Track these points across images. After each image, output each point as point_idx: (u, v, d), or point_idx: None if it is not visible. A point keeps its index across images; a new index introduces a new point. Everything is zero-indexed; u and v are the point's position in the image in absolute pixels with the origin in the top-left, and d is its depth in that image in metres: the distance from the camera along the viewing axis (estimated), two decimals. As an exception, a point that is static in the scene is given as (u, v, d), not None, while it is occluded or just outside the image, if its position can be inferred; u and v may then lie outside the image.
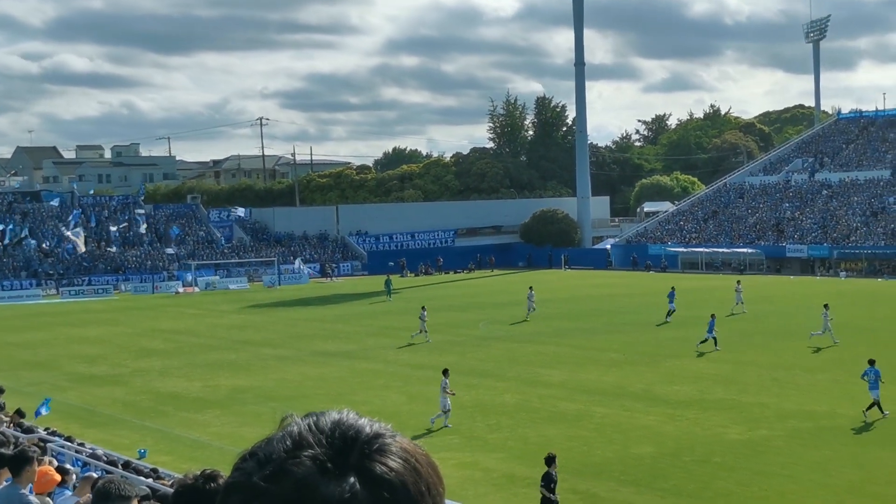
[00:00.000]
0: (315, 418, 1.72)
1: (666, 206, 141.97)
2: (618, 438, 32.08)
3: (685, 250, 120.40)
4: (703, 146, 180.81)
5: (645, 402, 37.95)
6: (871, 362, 35.86)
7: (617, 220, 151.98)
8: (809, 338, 51.00)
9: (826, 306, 52.85)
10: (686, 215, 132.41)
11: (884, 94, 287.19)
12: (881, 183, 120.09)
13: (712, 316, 51.30)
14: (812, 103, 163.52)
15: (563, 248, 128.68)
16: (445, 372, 36.04)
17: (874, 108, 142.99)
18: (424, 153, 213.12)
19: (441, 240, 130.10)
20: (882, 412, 34.22)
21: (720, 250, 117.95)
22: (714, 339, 50.23)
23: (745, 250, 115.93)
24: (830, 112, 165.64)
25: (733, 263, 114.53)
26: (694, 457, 29.43)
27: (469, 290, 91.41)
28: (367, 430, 1.69)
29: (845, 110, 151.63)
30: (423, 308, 58.79)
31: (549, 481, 21.16)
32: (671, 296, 65.04)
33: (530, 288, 70.49)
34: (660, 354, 49.45)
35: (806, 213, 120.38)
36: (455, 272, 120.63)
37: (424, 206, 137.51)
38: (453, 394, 35.39)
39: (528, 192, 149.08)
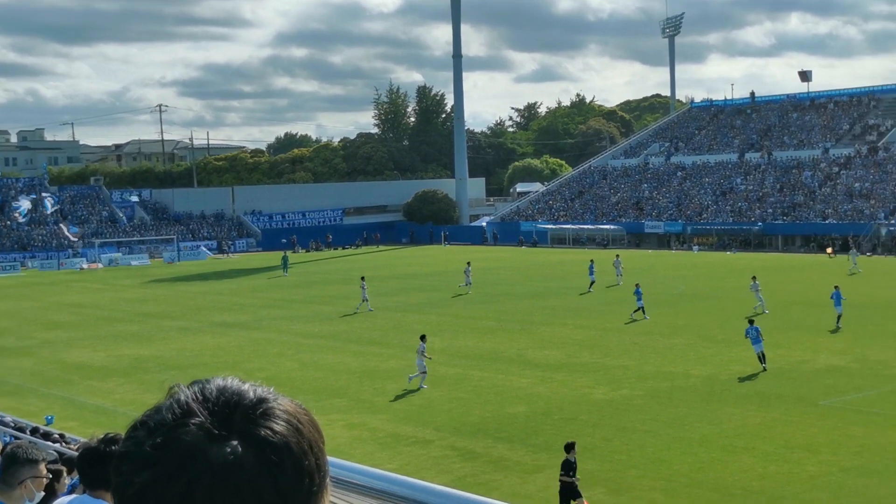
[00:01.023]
0: (201, 386, 1.67)
1: (537, 187, 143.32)
2: (494, 399, 32.29)
3: (554, 227, 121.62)
4: (570, 132, 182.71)
5: (518, 365, 38.27)
6: (751, 321, 37.12)
7: (492, 199, 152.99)
8: (755, 310, 50.26)
9: (754, 278, 53.37)
10: (555, 195, 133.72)
11: (732, 84, 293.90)
12: (729, 165, 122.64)
13: (637, 285, 51.85)
14: (668, 93, 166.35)
15: (442, 226, 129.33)
16: (423, 337, 36.34)
17: (723, 98, 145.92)
18: (314, 138, 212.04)
19: (330, 218, 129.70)
20: (763, 365, 35.28)
21: (586, 227, 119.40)
22: (642, 308, 50.42)
23: (608, 227, 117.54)
24: (684, 101, 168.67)
25: (598, 239, 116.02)
26: (563, 415, 29.76)
27: (357, 265, 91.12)
28: (251, 395, 1.65)
29: (698, 100, 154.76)
30: (362, 279, 58.81)
31: (568, 468, 20.80)
32: (591, 268, 65.70)
33: (468, 263, 70.18)
34: (532, 322, 49.89)
35: (662, 192, 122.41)
36: (344, 248, 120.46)
37: (314, 187, 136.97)
38: (430, 358, 35.51)
39: (410, 174, 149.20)
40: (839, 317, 45.24)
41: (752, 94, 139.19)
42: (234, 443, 1.56)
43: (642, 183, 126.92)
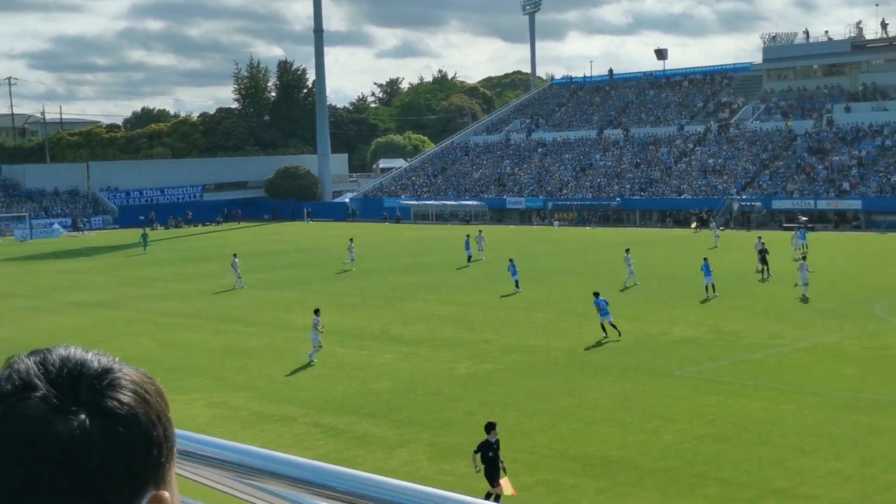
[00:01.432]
0: (42, 356, 1.60)
1: (399, 163, 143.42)
2: (357, 376, 32.29)
3: (417, 203, 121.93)
4: (432, 108, 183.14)
5: (382, 341, 38.33)
6: (596, 294, 38.13)
7: (355, 175, 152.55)
8: (625, 283, 51.55)
9: (627, 250, 54.33)
10: (418, 171, 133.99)
11: (591, 62, 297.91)
12: (589, 142, 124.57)
13: (510, 260, 52.49)
14: (529, 70, 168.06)
15: (305, 202, 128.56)
16: (316, 311, 36.73)
17: (583, 75, 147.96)
18: (172, 113, 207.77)
19: (190, 195, 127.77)
20: (605, 332, 36.17)
21: (448, 203, 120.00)
22: (516, 281, 51.13)
23: (470, 202, 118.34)
24: (545, 78, 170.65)
25: (460, 215, 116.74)
26: (426, 390, 29.93)
27: (218, 243, 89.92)
28: (95, 364, 1.59)
29: (558, 77, 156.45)
30: (234, 256, 58.02)
31: (486, 449, 19.99)
32: (467, 243, 66.40)
33: (350, 239, 69.60)
34: (395, 298, 49.98)
35: (524, 168, 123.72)
36: (204, 225, 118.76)
37: (173, 163, 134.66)
38: (322, 331, 35.68)
39: (271, 150, 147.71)
40: (712, 286, 47.07)
41: (611, 71, 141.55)
42: (82, 416, 1.51)
43: (504, 159, 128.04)
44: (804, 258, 49.65)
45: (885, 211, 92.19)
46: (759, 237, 58.34)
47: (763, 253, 53.98)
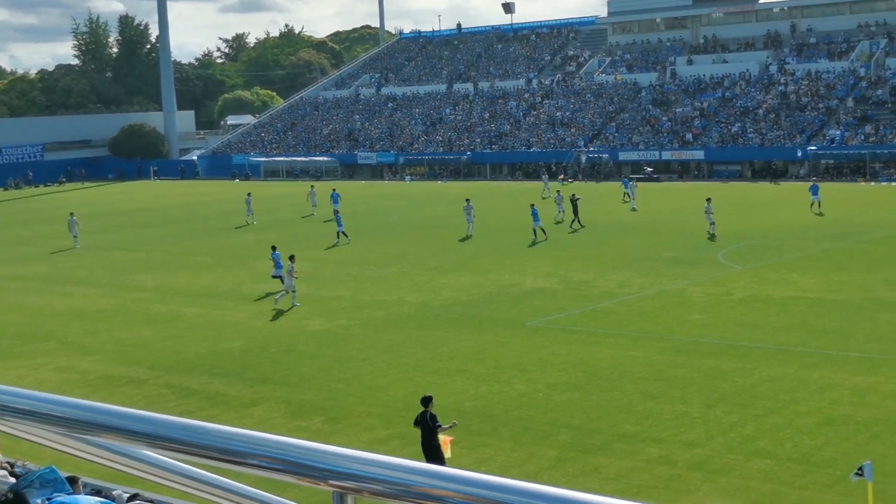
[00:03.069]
0: None
1: (248, 119, 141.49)
2: (210, 335, 31.90)
3: (267, 160, 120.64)
4: (280, 63, 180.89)
5: (234, 300, 37.93)
6: (273, 248, 39.55)
7: (202, 132, 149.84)
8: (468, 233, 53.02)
9: (468, 200, 55.25)
10: (267, 127, 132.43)
11: (439, 16, 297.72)
12: (438, 96, 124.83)
13: (336, 212, 52.88)
14: (377, 24, 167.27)
15: (151, 161, 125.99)
16: (291, 258, 37.20)
17: (431, 29, 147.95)
18: (8, 70, 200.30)
19: (30, 154, 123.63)
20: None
21: (299, 159, 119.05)
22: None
23: (321, 158, 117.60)
24: (394, 32, 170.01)
25: (311, 171, 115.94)
26: (280, 347, 29.78)
27: (61, 203, 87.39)
28: None
29: (406, 31, 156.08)
30: (71, 214, 56.44)
31: (434, 420, 19.04)
32: (334, 197, 66.31)
33: (248, 193, 68.27)
34: (246, 256, 49.45)
35: (374, 123, 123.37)
36: (46, 185, 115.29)
37: (11, 122, 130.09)
38: (296, 277, 36.41)
39: (115, 108, 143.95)
40: (541, 229, 50.28)
41: (459, 25, 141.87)
42: None
43: (354, 114, 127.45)
44: (708, 200, 51.52)
45: (726, 161, 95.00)
46: (573, 193, 59.82)
47: (575, 203, 55.49)
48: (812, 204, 59.01)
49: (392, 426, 21.74)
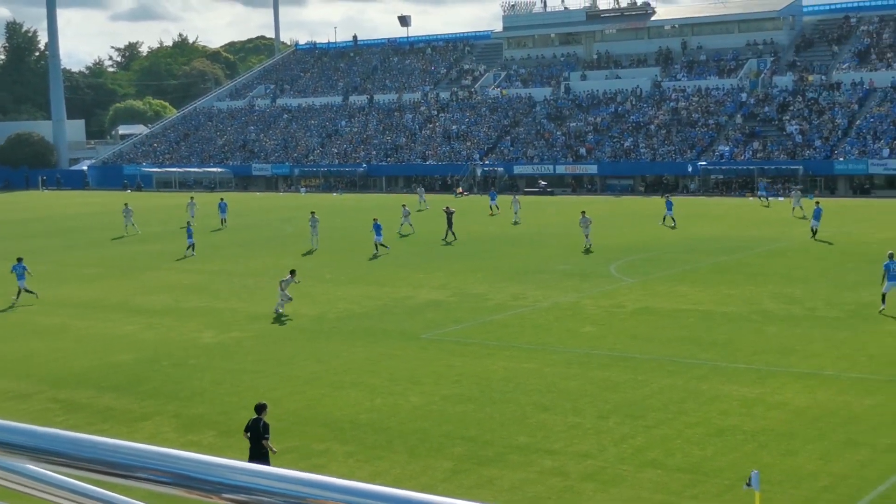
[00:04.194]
0: None
1: (140, 129, 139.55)
2: (98, 348, 31.27)
3: (160, 170, 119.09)
4: (173, 73, 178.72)
5: (124, 312, 37.26)
6: (292, 272, 37.08)
7: (93, 142, 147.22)
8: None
9: (313, 213, 55.40)
10: (159, 138, 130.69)
11: (335, 28, 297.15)
12: (334, 108, 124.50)
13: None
14: (272, 35, 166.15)
15: (40, 170, 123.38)
16: (292, 272, 36.75)
17: (327, 41, 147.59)
18: None
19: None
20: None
21: (192, 170, 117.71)
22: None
23: (215, 169, 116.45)
24: (289, 43, 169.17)
25: (205, 182, 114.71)
26: (171, 361, 29.32)
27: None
28: None
29: (302, 42, 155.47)
30: None
31: (266, 430, 18.58)
32: (221, 206, 68.30)
33: (126, 204, 67.10)
34: (136, 267, 48.67)
35: (269, 135, 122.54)
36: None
37: None
38: (298, 281, 36.65)
39: (1, 116, 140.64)
40: (381, 244, 51.03)
41: (355, 37, 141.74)
42: None
43: (249, 125, 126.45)
44: (584, 213, 51.66)
45: (619, 175, 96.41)
46: (447, 206, 60.18)
47: (449, 216, 55.94)
48: (664, 218, 60.00)
49: (286, 439, 21.54)
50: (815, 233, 52.24)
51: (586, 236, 50.54)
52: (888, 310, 32.37)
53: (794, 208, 65.55)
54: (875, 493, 17.30)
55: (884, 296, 32.83)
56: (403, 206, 62.87)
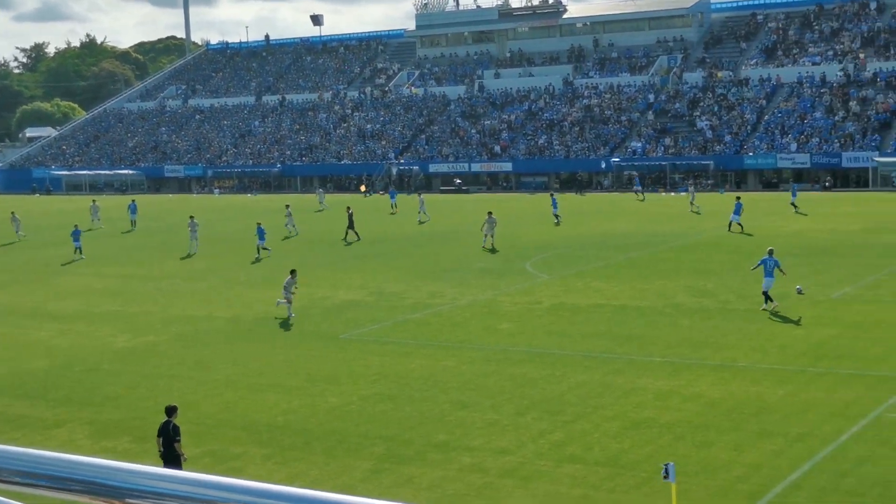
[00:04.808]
0: None
1: (48, 132, 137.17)
2: (9, 356, 30.64)
3: (69, 173, 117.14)
4: (82, 74, 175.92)
5: (36, 318, 36.57)
6: (293, 272, 36.14)
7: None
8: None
9: (192, 217, 54.98)
10: (69, 140, 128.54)
11: (246, 27, 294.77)
12: (247, 108, 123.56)
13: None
14: (183, 35, 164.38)
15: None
16: (293, 272, 35.33)
17: (238, 41, 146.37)
18: None
19: None
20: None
21: (103, 172, 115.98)
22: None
23: (127, 172, 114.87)
24: (200, 43, 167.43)
25: (116, 184, 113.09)
26: (85, 366, 28.85)
27: None
28: None
29: (213, 42, 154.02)
30: None
31: (177, 433, 18.20)
32: (131, 207, 68.32)
33: (12, 212, 65.56)
34: (48, 273, 47.84)
35: (182, 136, 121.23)
36: None
37: None
38: (294, 292, 34.70)
39: None
40: (262, 248, 50.57)
41: (267, 37, 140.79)
42: None
43: (160, 126, 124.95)
44: (490, 213, 51.41)
45: (534, 172, 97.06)
46: (348, 206, 60.06)
47: (350, 216, 55.93)
48: (555, 216, 60.54)
49: (203, 443, 21.33)
50: (731, 226, 53.26)
51: (490, 236, 50.17)
52: (766, 306, 32.65)
53: (691, 203, 66.82)
54: (787, 482, 17.64)
55: (765, 294, 33.01)
56: (287, 206, 62.20)
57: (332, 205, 78.51)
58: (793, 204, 63.50)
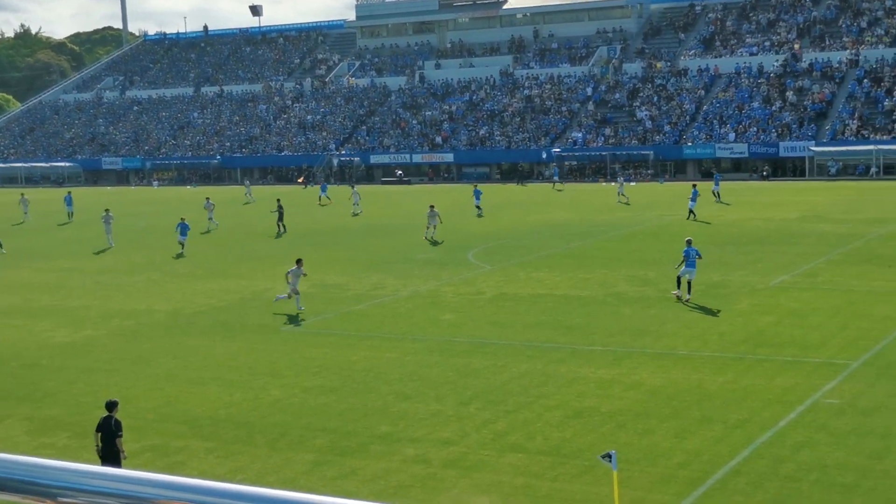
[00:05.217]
0: None
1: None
2: (-57, 352, 30.16)
3: (4, 166, 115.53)
4: (15, 65, 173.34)
5: (-30, 314, 36.01)
6: (299, 261, 35.99)
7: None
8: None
9: (107, 210, 54.38)
10: (3, 132, 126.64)
11: (184, 17, 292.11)
12: (186, 99, 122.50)
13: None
14: (119, 25, 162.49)
15: None
16: (299, 261, 34.49)
17: (176, 31, 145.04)
18: None
19: None
20: None
21: (39, 165, 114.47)
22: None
23: (63, 164, 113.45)
24: (137, 34, 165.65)
25: (52, 177, 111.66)
26: (22, 362, 28.46)
27: None
28: None
29: (151, 33, 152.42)
30: None
31: (119, 428, 17.82)
32: (67, 199, 68.17)
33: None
34: (-17, 267, 47.14)
35: (119, 127, 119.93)
36: None
37: None
38: (305, 274, 34.32)
39: None
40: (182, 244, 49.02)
41: (206, 27, 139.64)
42: None
43: (98, 118, 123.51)
44: (432, 206, 51.26)
45: (475, 163, 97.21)
46: (278, 199, 59.50)
47: (280, 209, 55.70)
48: (477, 207, 60.47)
49: (144, 438, 21.14)
50: (691, 213, 53.95)
51: (432, 227, 50.12)
52: (690, 297, 32.97)
53: (618, 193, 66.96)
54: (727, 468, 17.84)
55: (679, 279, 33.32)
56: (207, 199, 61.44)
57: (260, 197, 78.03)
58: (714, 192, 63.89)
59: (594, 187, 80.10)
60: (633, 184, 79.47)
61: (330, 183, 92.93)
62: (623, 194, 66.54)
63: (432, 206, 51.20)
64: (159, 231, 57.98)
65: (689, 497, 16.73)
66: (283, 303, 34.15)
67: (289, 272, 34.36)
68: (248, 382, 25.12)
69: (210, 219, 58.44)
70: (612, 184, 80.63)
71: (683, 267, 33.16)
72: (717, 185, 65.39)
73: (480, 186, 67.42)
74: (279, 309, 34.15)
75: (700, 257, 33.27)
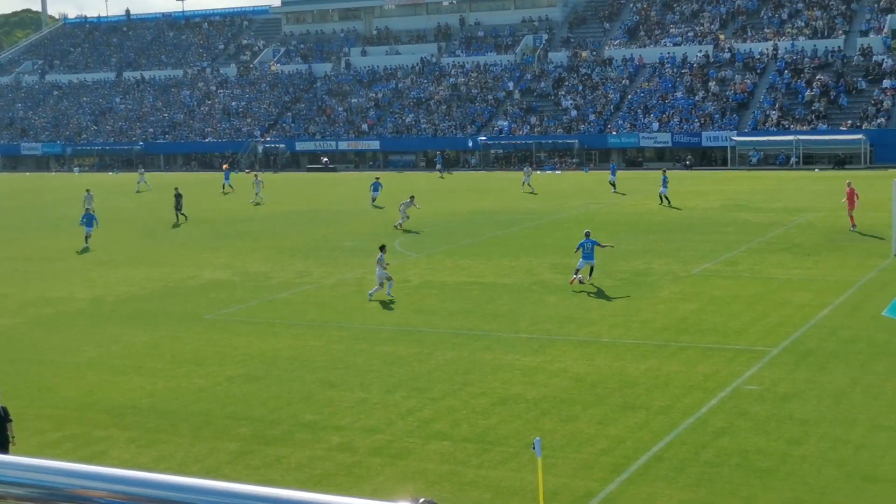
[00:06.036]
0: None
1: None
2: None
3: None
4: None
5: None
6: (382, 247, 35.22)
7: None
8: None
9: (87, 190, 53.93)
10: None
11: (106, 1, 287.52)
12: (107, 84, 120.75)
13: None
14: (38, 8, 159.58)
15: None
16: (382, 248, 33.35)
17: (97, 15, 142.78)
18: None
19: None
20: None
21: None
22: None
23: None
24: (57, 17, 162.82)
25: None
26: (-63, 351, 27.88)
27: None
28: None
29: (71, 16, 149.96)
30: None
31: (7, 414, 17.39)
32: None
33: None
34: None
35: (39, 112, 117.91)
36: None
37: None
38: (388, 264, 33.22)
39: None
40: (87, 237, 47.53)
41: (128, 11, 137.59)
42: None
43: (16, 103, 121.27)
44: (411, 197, 50.76)
45: (401, 151, 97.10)
46: (176, 187, 58.72)
47: (178, 199, 55.15)
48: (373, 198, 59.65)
49: (64, 427, 20.83)
50: (662, 199, 54.55)
51: (403, 216, 49.46)
52: (588, 283, 33.39)
53: (523, 183, 66.92)
54: (650, 454, 18.04)
55: (578, 270, 33.79)
56: (87, 190, 58.63)
57: (157, 185, 77.21)
58: (611, 183, 64.09)
59: (519, 175, 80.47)
60: (538, 172, 79.83)
61: (255, 170, 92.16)
62: (528, 184, 66.19)
63: (412, 197, 50.80)
64: (78, 217, 57.07)
65: (612, 483, 16.89)
66: (378, 293, 33.01)
67: (378, 260, 33.53)
68: (171, 371, 24.87)
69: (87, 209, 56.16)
70: (549, 172, 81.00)
71: (581, 260, 33.57)
72: (613, 175, 65.27)
73: (384, 177, 66.19)
74: (201, 297, 33.85)
75: (600, 245, 33.90)
